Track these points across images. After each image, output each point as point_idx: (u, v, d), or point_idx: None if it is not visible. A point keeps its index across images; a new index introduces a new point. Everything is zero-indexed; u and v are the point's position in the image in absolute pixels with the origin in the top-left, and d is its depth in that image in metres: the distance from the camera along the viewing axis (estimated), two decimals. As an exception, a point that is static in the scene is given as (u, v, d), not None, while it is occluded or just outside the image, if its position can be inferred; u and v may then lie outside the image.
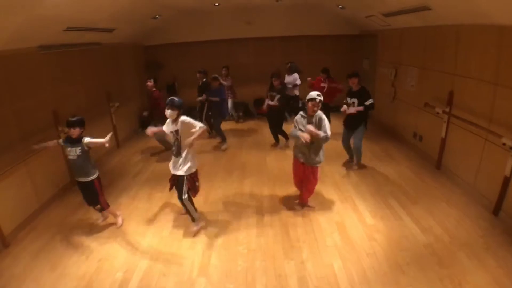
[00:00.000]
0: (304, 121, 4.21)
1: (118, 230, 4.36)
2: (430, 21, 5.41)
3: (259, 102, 9.59)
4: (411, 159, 6.14)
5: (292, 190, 5.02)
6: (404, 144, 6.88)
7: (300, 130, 4.17)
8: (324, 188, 5.07)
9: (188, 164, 3.99)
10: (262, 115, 9.39)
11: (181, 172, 3.99)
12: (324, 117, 4.16)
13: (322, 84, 7.13)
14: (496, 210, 4.20)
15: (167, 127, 4.04)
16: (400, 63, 7.05)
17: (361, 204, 4.70)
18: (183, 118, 3.91)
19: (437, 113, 5.41)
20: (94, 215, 4.57)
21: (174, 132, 3.96)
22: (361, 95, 5.41)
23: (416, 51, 6.29)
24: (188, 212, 4.15)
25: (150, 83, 6.66)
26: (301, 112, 4.28)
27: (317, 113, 4.16)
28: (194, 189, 4.13)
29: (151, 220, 4.55)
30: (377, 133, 7.59)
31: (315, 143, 4.16)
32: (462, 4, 4.16)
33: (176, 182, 4.10)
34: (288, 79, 8.17)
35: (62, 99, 5.56)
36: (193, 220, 4.23)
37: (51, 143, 4.11)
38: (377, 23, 7.37)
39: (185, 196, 4.00)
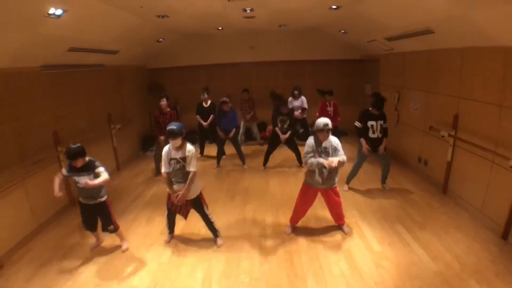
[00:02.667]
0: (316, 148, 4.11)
1: (115, 255, 4.21)
2: (434, 45, 5.43)
3: (261, 127, 9.56)
4: (417, 184, 6.02)
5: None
6: (409, 168, 6.78)
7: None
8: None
9: (196, 185, 4.11)
10: (265, 139, 9.38)
11: (193, 195, 4.08)
12: (339, 143, 4.15)
13: (328, 109, 7.22)
14: (505, 234, 4.09)
15: (168, 154, 3.98)
16: (403, 86, 7.03)
17: (367, 230, 4.55)
18: (190, 148, 3.97)
19: (442, 136, 5.34)
20: (91, 239, 4.42)
21: (178, 159, 3.95)
22: (383, 116, 5.42)
23: (420, 74, 6.28)
24: (213, 226, 4.33)
25: (164, 102, 6.68)
26: (311, 140, 4.14)
27: (331, 140, 4.11)
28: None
29: (150, 245, 4.40)
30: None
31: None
32: (466, 27, 4.17)
33: (190, 206, 4.19)
34: (296, 103, 8.15)
35: (63, 119, 5.53)
36: (217, 234, 4.39)
37: (57, 179, 3.84)
38: (379, 48, 7.42)
39: (208, 211, 4.25)
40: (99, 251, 4.28)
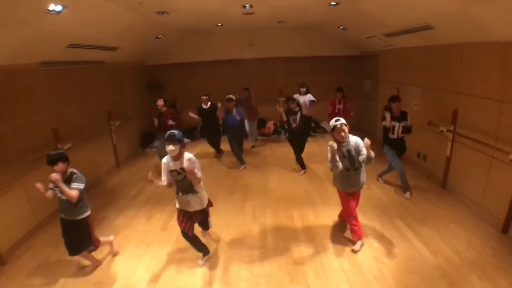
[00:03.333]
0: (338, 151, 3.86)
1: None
2: (433, 40, 5.43)
3: (261, 123, 9.56)
4: (416, 179, 6.03)
5: (296, 211, 4.90)
6: (408, 164, 6.75)
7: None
8: (329, 210, 4.94)
9: (204, 195, 3.83)
10: (264, 136, 9.40)
11: (202, 206, 3.82)
12: (360, 141, 3.84)
13: (338, 106, 7.23)
14: (505, 228, 4.11)
15: (167, 166, 3.63)
16: (402, 82, 7.03)
17: (368, 226, 4.55)
18: (190, 156, 3.61)
19: (441, 131, 5.34)
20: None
21: (178, 170, 3.59)
22: (404, 117, 5.21)
23: (419, 70, 6.29)
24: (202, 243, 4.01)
25: (160, 102, 6.69)
26: (331, 143, 3.84)
27: (352, 140, 3.87)
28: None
29: (150, 243, 4.40)
30: (380, 154, 7.48)
31: (359, 168, 3.94)
32: (465, 22, 4.17)
33: (198, 217, 3.88)
34: (304, 98, 7.77)
35: (62, 116, 5.53)
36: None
37: (50, 193, 3.54)
38: (378, 44, 7.42)
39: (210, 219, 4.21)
40: (98, 250, 4.23)
